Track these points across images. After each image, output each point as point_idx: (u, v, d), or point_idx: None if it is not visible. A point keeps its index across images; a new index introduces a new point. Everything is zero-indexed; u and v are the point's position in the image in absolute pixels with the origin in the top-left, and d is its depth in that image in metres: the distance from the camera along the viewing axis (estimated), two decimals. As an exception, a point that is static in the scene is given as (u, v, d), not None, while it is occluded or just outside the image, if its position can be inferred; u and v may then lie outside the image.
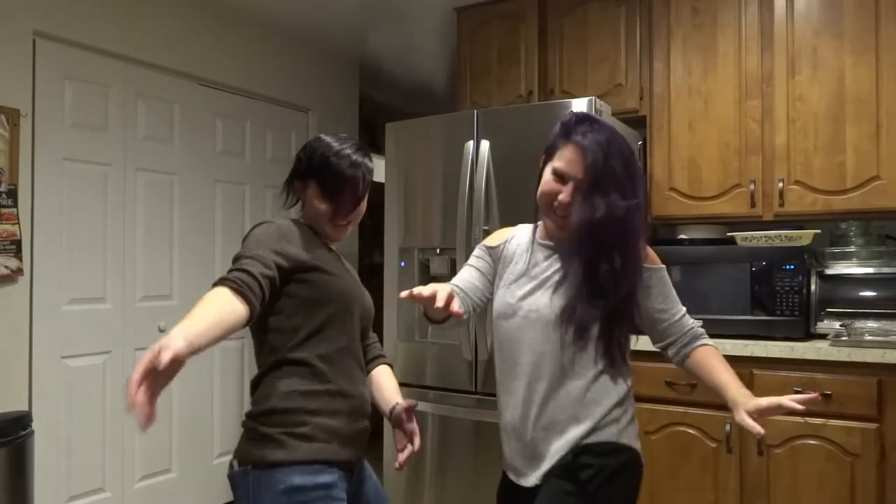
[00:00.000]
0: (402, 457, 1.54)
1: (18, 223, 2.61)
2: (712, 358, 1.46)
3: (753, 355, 2.36)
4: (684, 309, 1.51)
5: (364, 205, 1.57)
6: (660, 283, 1.46)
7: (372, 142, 4.93)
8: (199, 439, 3.35)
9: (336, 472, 1.40)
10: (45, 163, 2.72)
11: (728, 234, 2.68)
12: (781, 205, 2.60)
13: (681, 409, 2.47)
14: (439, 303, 1.24)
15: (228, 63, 3.46)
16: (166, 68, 3.19)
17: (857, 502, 2.21)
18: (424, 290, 1.24)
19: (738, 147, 2.69)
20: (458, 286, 1.52)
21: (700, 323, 1.53)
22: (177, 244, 3.26)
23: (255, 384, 1.49)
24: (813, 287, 2.50)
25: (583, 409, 1.39)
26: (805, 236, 2.53)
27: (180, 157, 3.27)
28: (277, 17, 3.55)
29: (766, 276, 2.47)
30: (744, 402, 1.32)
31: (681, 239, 2.83)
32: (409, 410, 1.55)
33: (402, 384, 2.91)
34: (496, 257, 1.56)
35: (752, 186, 2.65)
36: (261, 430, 1.40)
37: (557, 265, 1.44)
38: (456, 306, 1.26)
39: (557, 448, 1.39)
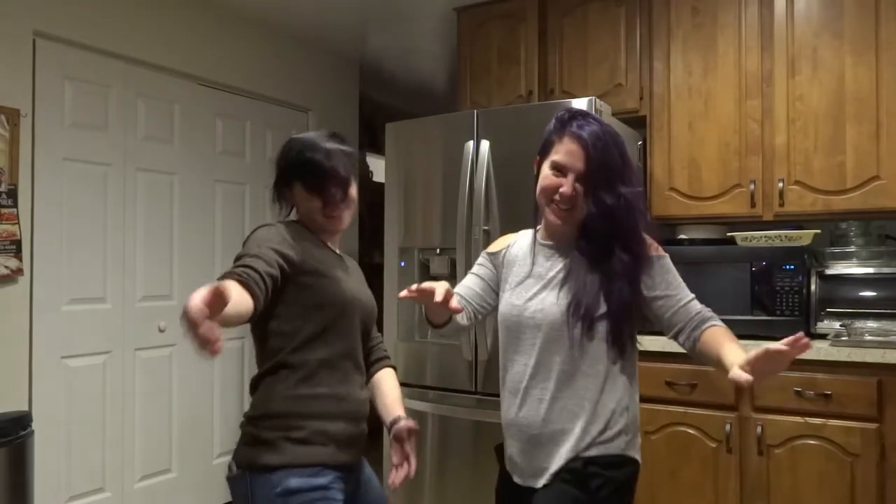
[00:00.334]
0: (397, 478, 1.53)
1: (18, 223, 2.61)
2: (720, 335, 1.37)
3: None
4: (692, 295, 1.46)
5: (354, 189, 1.55)
6: (662, 270, 1.44)
7: (372, 142, 4.93)
8: (199, 439, 3.35)
9: (332, 475, 1.41)
10: (45, 163, 2.72)
11: (728, 234, 2.68)
12: (781, 205, 2.60)
13: (681, 409, 2.47)
14: (437, 297, 1.26)
15: (228, 63, 3.46)
16: (166, 68, 3.19)
17: (857, 502, 2.21)
18: (423, 285, 1.27)
19: (738, 147, 2.69)
20: (458, 293, 1.54)
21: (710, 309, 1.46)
22: (177, 244, 3.26)
23: (254, 386, 1.49)
24: (813, 287, 2.50)
25: (592, 412, 1.39)
26: (805, 236, 2.53)
27: (180, 157, 3.27)
28: (277, 17, 3.55)
29: (766, 276, 2.47)
30: (737, 360, 1.25)
31: (681, 239, 2.83)
32: (412, 432, 1.54)
33: (402, 384, 2.91)
34: (498, 263, 1.58)
35: (752, 186, 2.65)
36: (258, 434, 1.40)
37: (560, 264, 1.45)
38: (454, 303, 1.28)
39: (565, 451, 1.38)
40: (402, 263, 2.85)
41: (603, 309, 1.37)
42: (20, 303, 2.65)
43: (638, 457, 1.45)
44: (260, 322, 1.44)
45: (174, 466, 3.24)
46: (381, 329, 2.98)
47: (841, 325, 2.45)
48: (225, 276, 1.26)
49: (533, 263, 1.49)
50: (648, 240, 1.44)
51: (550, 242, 1.49)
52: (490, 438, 2.56)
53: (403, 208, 2.85)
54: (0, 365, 2.58)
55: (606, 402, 1.40)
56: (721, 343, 1.34)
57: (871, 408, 2.20)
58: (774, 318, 2.45)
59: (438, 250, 2.76)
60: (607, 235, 1.37)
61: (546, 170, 1.42)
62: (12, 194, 2.59)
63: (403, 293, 1.27)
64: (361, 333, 1.56)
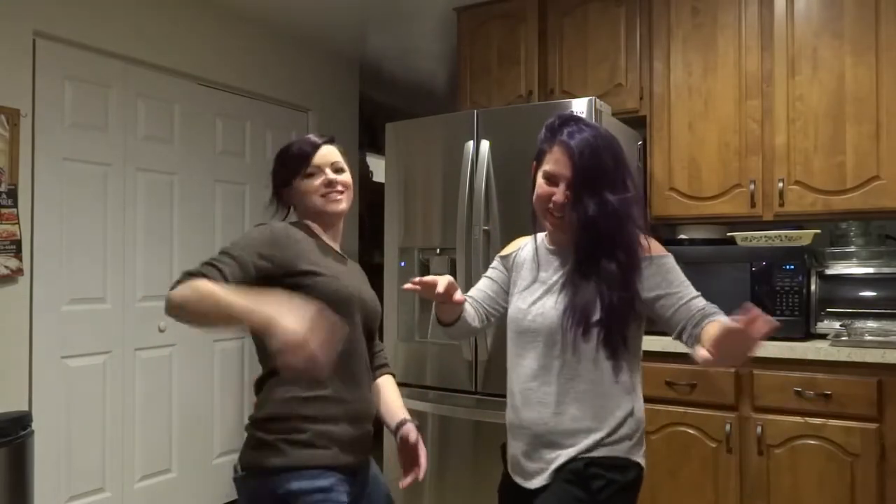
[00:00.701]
0: (407, 480, 1.57)
1: (18, 223, 2.61)
2: (715, 328, 1.27)
3: (753, 355, 2.36)
4: (695, 293, 1.42)
5: (349, 176, 1.60)
6: (661, 270, 1.42)
7: (372, 142, 4.93)
8: (199, 439, 3.35)
9: (334, 476, 1.41)
10: (45, 163, 2.72)
11: (728, 234, 2.68)
12: (781, 205, 2.60)
13: (681, 409, 2.47)
14: (439, 288, 1.31)
15: (228, 63, 3.46)
16: (166, 68, 3.19)
17: (857, 502, 2.21)
18: (425, 278, 1.33)
19: (738, 147, 2.69)
20: (470, 296, 1.59)
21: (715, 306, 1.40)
22: (177, 244, 3.26)
23: (258, 387, 1.50)
24: (813, 287, 2.50)
25: (594, 416, 1.40)
26: (805, 236, 2.53)
27: (180, 157, 3.27)
28: (278, 17, 3.55)
29: (766, 276, 2.47)
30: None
31: (681, 239, 2.83)
32: (418, 434, 1.58)
33: (402, 384, 2.91)
34: (509, 266, 1.61)
35: (752, 186, 2.65)
36: (260, 436, 1.41)
37: (562, 269, 1.47)
38: (458, 295, 1.33)
39: (567, 453, 1.39)
40: (402, 263, 2.85)
41: (597, 315, 1.37)
42: (20, 303, 2.65)
43: (642, 461, 1.45)
44: None
45: (174, 466, 3.24)
46: (381, 329, 2.98)
47: (841, 325, 2.45)
48: (191, 274, 1.31)
49: (538, 269, 1.51)
50: (648, 242, 1.43)
51: (554, 248, 1.52)
52: (490, 438, 2.56)
53: (403, 208, 2.85)
54: (0, 365, 2.58)
55: (609, 406, 1.40)
56: (708, 333, 1.30)
57: (871, 408, 2.20)
58: (774, 317, 2.42)
59: (438, 250, 2.76)
60: (594, 243, 1.38)
61: (539, 179, 1.45)
62: (12, 194, 2.59)
63: (407, 285, 1.31)
64: (365, 334, 1.56)
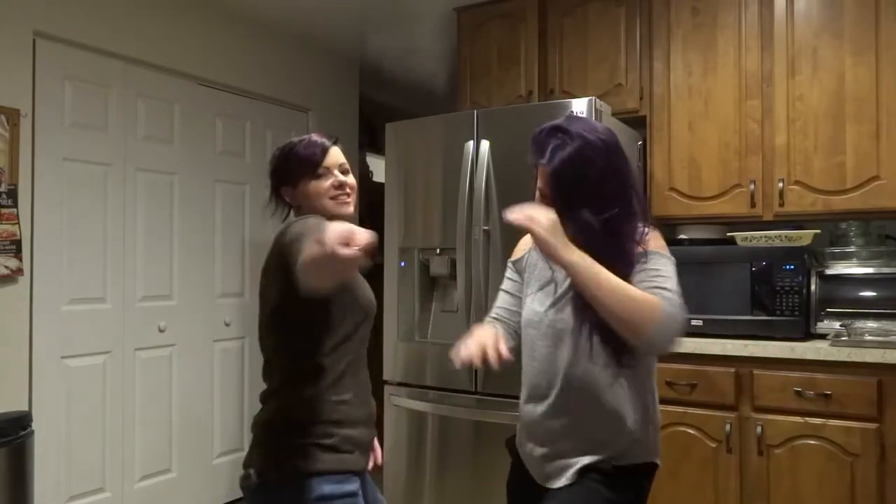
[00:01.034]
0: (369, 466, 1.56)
1: (18, 223, 2.61)
2: None
3: (753, 355, 2.36)
4: (662, 285, 1.32)
5: (353, 178, 1.56)
6: (649, 262, 1.36)
7: (372, 142, 4.93)
8: (199, 439, 3.35)
9: (358, 481, 1.42)
10: (45, 163, 2.72)
11: (728, 234, 2.68)
12: (781, 205, 2.60)
13: (681, 409, 2.47)
14: (494, 364, 1.30)
15: (228, 63, 3.46)
16: (166, 68, 3.19)
17: (856, 502, 2.21)
18: (475, 354, 1.31)
19: (738, 147, 2.69)
20: (495, 317, 1.57)
21: (678, 301, 1.33)
22: (177, 244, 3.25)
23: (275, 389, 1.45)
24: (813, 287, 2.50)
25: (615, 420, 1.39)
26: (805, 236, 2.53)
27: (180, 157, 3.27)
28: (278, 17, 3.55)
29: (766, 276, 2.47)
30: None
31: (681, 239, 2.83)
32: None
33: (402, 384, 2.92)
34: (521, 269, 1.58)
35: (752, 186, 2.65)
36: (286, 440, 1.38)
37: None
38: (504, 350, 1.32)
39: (590, 456, 1.39)
40: (402, 263, 2.85)
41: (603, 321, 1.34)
42: (20, 303, 2.65)
43: (657, 460, 1.46)
44: (283, 320, 1.41)
45: (174, 466, 3.24)
46: (381, 329, 2.98)
47: (841, 325, 2.45)
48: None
49: (552, 269, 1.47)
50: (651, 237, 1.40)
51: None
52: (490, 438, 2.56)
53: (403, 208, 2.85)
54: (0, 365, 2.58)
55: (626, 414, 1.39)
56: None
57: (871, 408, 2.20)
58: (774, 318, 2.45)
59: (438, 250, 2.76)
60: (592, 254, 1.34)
61: (537, 193, 1.43)
62: (12, 194, 2.59)
63: (459, 362, 1.31)
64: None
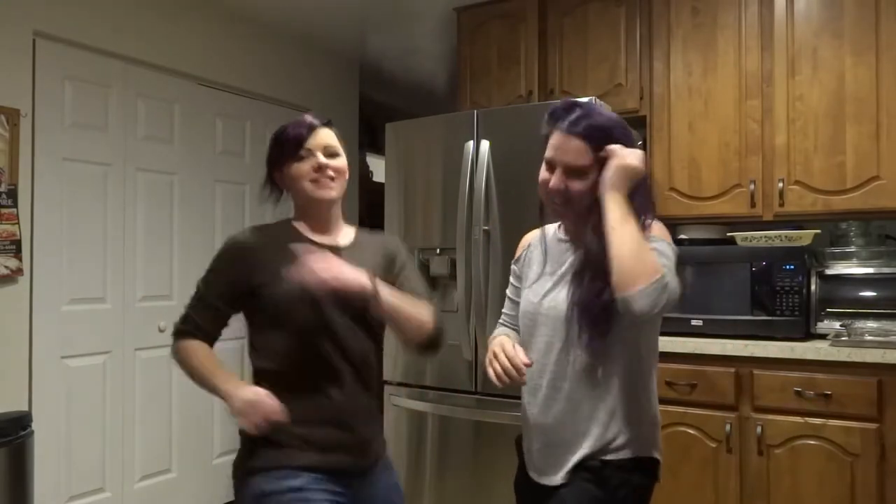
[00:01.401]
0: None
1: (18, 223, 2.61)
2: None
3: (753, 355, 2.36)
4: (666, 268, 1.32)
5: (341, 162, 1.51)
6: (650, 244, 1.34)
7: (372, 142, 4.93)
8: (199, 439, 3.35)
9: (306, 476, 1.38)
10: (45, 163, 2.72)
11: (728, 234, 2.68)
12: (781, 205, 2.60)
13: (681, 409, 2.47)
14: (521, 381, 1.37)
15: (228, 63, 3.46)
16: (166, 68, 3.19)
17: (856, 502, 2.21)
18: (500, 373, 1.36)
19: (738, 147, 2.69)
20: (504, 323, 1.62)
21: (675, 281, 1.33)
22: (177, 244, 3.26)
23: None
24: (813, 287, 2.50)
25: (608, 414, 1.38)
26: (805, 236, 2.53)
27: (180, 157, 3.27)
28: (278, 17, 3.55)
29: (766, 276, 2.47)
30: None
31: (681, 239, 2.83)
32: None
33: (402, 384, 2.92)
34: (520, 268, 1.59)
35: (752, 186, 2.65)
36: (242, 439, 1.45)
37: (570, 259, 1.44)
38: (524, 359, 1.36)
39: (583, 451, 1.38)
40: (402, 263, 2.84)
41: (603, 304, 1.32)
42: (20, 303, 2.65)
43: (658, 456, 1.45)
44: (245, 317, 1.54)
45: (174, 466, 3.24)
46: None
47: (841, 325, 2.45)
48: (178, 336, 1.57)
49: (547, 260, 1.48)
50: (654, 226, 1.38)
51: (566, 237, 1.48)
52: (490, 438, 2.56)
53: (403, 208, 2.85)
54: (0, 365, 2.58)
55: (625, 401, 1.38)
56: None
57: (871, 408, 2.20)
58: (774, 318, 2.45)
59: (438, 250, 2.76)
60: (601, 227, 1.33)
61: (542, 166, 1.41)
62: (12, 194, 2.59)
63: (497, 381, 1.37)
64: (358, 323, 1.47)
